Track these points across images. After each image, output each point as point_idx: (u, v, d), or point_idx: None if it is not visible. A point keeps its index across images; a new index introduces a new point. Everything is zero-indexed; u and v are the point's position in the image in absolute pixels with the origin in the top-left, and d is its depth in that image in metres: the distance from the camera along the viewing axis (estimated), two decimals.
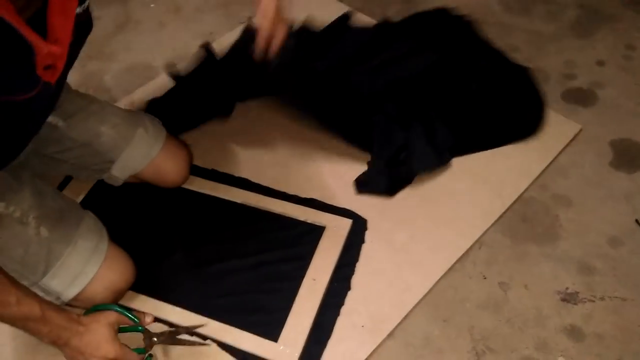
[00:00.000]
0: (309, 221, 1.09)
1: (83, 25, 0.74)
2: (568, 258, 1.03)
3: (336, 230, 1.07)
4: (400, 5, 1.56)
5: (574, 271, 1.01)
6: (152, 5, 1.58)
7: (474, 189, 1.13)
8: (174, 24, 1.52)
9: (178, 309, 0.98)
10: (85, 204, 1.09)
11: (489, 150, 1.19)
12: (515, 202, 1.10)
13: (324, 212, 1.10)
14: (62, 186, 1.15)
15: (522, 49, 1.39)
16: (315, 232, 1.07)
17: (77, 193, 1.14)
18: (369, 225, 1.08)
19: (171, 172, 1.10)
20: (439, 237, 1.06)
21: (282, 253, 1.05)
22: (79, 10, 0.69)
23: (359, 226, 1.08)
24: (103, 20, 1.57)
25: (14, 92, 0.64)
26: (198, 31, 1.51)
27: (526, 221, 1.08)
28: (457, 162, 1.17)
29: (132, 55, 1.45)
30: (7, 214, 0.83)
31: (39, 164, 0.99)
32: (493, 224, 1.07)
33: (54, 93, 0.76)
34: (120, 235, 0.98)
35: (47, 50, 0.64)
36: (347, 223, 1.08)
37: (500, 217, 1.08)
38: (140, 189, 1.13)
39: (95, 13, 0.77)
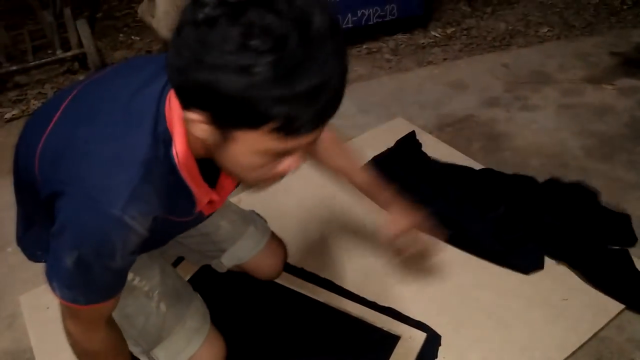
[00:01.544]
0: (385, 328, 1.17)
1: None
2: None
3: (410, 342, 1.14)
4: (484, 142, 1.70)
5: None
6: None
7: (549, 320, 1.16)
8: None
9: None
10: (190, 283, 1.23)
11: (566, 284, 1.23)
12: (590, 339, 1.12)
13: (399, 322, 1.18)
14: (174, 264, 1.32)
15: (602, 194, 1.45)
16: (390, 341, 1.14)
17: (186, 273, 1.30)
18: (443, 341, 1.14)
19: (269, 266, 1.24)
20: None
21: (357, 357, 1.12)
22: None
23: (432, 341, 1.14)
24: None
25: (175, 215, 0.80)
26: None
27: None
28: (534, 291, 1.22)
29: None
30: (139, 287, 0.98)
31: (164, 246, 1.16)
32: (567, 359, 1.09)
33: (205, 217, 0.92)
34: (213, 315, 1.09)
35: (208, 199, 0.80)
36: (421, 336, 1.15)
37: (574, 352, 1.10)
38: (238, 278, 1.27)
39: None
